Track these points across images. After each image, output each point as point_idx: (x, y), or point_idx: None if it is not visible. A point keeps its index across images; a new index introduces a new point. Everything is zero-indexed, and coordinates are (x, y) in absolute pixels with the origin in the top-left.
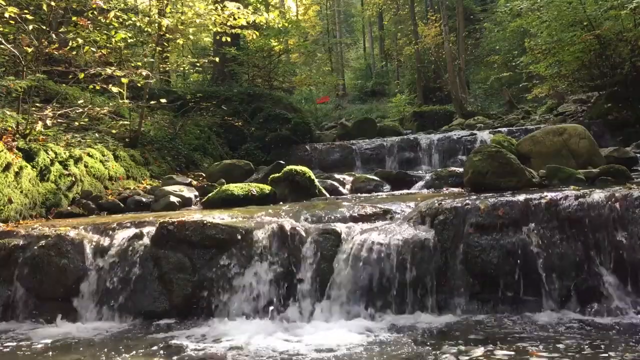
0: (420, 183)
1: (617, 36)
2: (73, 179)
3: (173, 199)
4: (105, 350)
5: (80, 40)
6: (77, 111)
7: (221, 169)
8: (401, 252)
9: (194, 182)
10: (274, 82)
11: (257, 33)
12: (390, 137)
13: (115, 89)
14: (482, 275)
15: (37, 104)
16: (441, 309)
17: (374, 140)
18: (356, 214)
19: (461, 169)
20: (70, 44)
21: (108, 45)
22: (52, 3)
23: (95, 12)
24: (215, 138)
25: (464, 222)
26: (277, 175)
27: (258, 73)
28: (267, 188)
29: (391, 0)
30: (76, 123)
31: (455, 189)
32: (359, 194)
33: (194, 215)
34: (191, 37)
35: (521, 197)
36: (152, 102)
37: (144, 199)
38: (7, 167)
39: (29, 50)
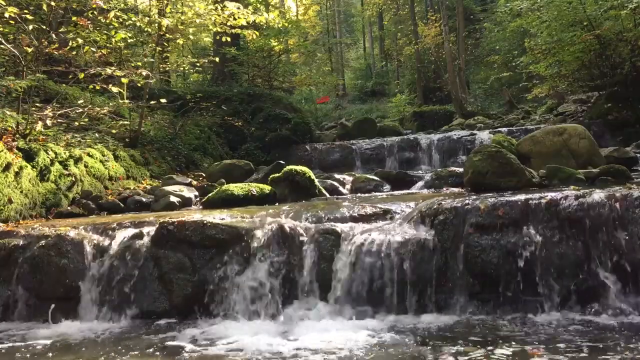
0: (420, 183)
1: (617, 36)
2: (73, 179)
3: (173, 199)
4: (105, 350)
5: (80, 40)
6: (77, 111)
7: (221, 169)
8: (401, 252)
9: (194, 182)
10: (274, 82)
11: (257, 33)
12: (390, 137)
13: (115, 89)
14: (482, 275)
15: (37, 104)
16: (441, 308)
17: (374, 140)
18: (356, 214)
19: (461, 169)
20: (70, 44)
21: (108, 45)
22: (52, 3)
23: (95, 12)
24: (215, 138)
25: (464, 222)
26: (277, 175)
27: (258, 73)
28: (267, 188)
29: (391, 0)
30: (76, 123)
31: (455, 189)
32: (359, 194)
33: (194, 215)
34: (191, 37)
35: (521, 197)
36: (152, 102)
37: (144, 199)
38: (7, 167)
39: (29, 50)
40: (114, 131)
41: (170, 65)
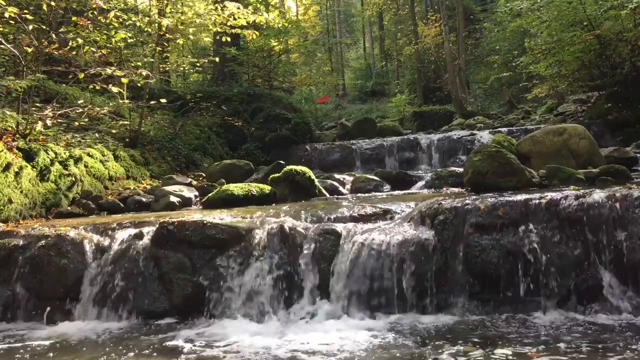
0: (420, 183)
1: (617, 36)
2: (73, 179)
3: (173, 199)
4: (105, 350)
5: (80, 40)
6: (77, 111)
7: (221, 169)
8: (401, 252)
9: (194, 182)
10: (274, 82)
11: (257, 33)
12: (390, 137)
13: (115, 89)
14: (482, 275)
15: (37, 104)
16: (441, 308)
17: (374, 140)
18: (356, 214)
19: (461, 169)
20: (70, 44)
21: (108, 45)
22: (52, 3)
23: (95, 12)
24: (215, 138)
25: (464, 222)
26: (277, 175)
27: (258, 73)
28: (267, 188)
29: (391, 0)
30: (76, 123)
31: (455, 189)
32: (359, 194)
33: (194, 215)
34: (191, 37)
35: (521, 197)
36: (152, 102)
37: (144, 199)
38: (7, 167)
39: (29, 50)
40: (114, 131)
41: (170, 65)
